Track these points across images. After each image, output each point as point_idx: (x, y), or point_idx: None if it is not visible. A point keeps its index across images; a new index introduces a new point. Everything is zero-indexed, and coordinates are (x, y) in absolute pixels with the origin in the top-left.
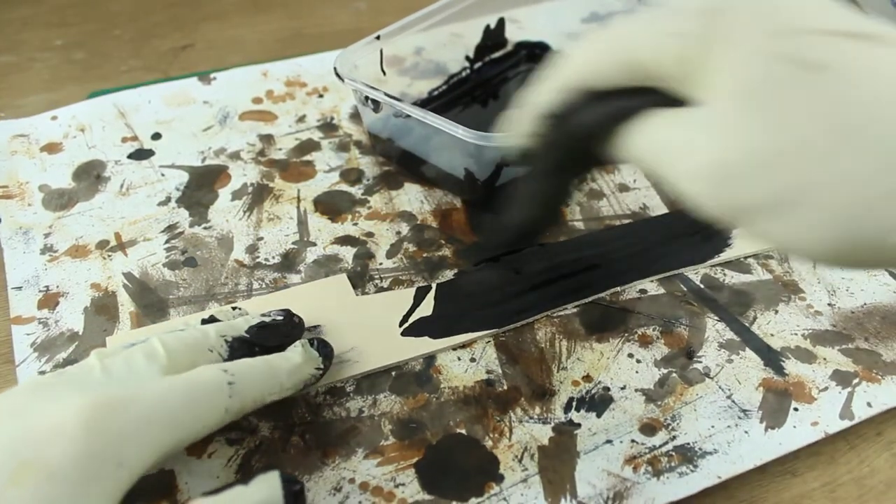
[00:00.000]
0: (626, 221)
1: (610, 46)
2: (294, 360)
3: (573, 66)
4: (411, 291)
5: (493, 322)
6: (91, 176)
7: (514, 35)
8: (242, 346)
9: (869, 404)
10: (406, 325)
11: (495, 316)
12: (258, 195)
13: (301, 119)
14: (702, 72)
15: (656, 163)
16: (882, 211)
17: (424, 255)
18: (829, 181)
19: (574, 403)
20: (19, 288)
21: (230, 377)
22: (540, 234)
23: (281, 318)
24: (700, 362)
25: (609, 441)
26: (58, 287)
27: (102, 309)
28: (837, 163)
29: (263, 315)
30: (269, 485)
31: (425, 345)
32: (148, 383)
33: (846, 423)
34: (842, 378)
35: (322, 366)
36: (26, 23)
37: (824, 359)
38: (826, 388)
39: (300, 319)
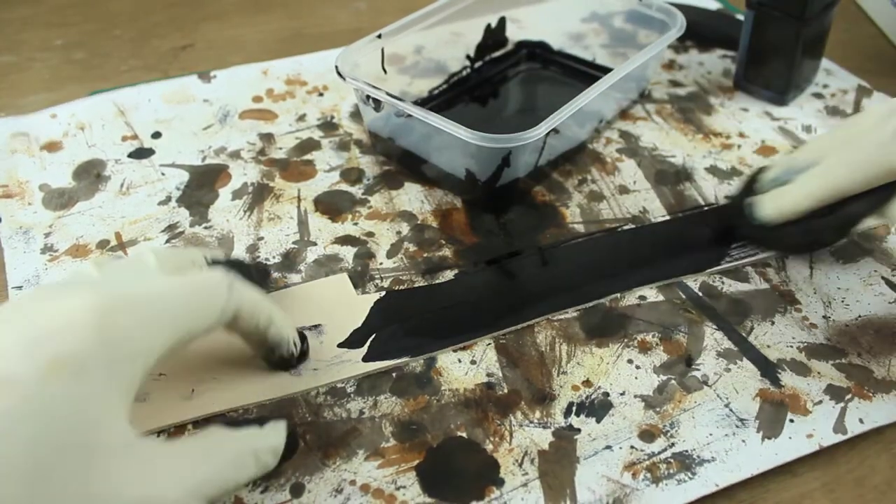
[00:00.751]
0: (626, 224)
1: (872, 161)
2: (289, 318)
3: (842, 177)
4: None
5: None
6: (91, 175)
7: (514, 34)
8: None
9: (861, 420)
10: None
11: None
12: (258, 195)
13: (301, 118)
14: None
15: None
16: None
17: (424, 254)
18: None
19: (574, 408)
20: (20, 287)
21: (230, 280)
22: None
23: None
24: (699, 370)
25: (608, 447)
26: None
27: None
28: None
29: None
30: (277, 432)
31: (428, 347)
32: (149, 281)
33: (839, 437)
34: (835, 393)
35: (298, 347)
36: (26, 23)
37: (818, 373)
38: (820, 402)
39: (268, 270)
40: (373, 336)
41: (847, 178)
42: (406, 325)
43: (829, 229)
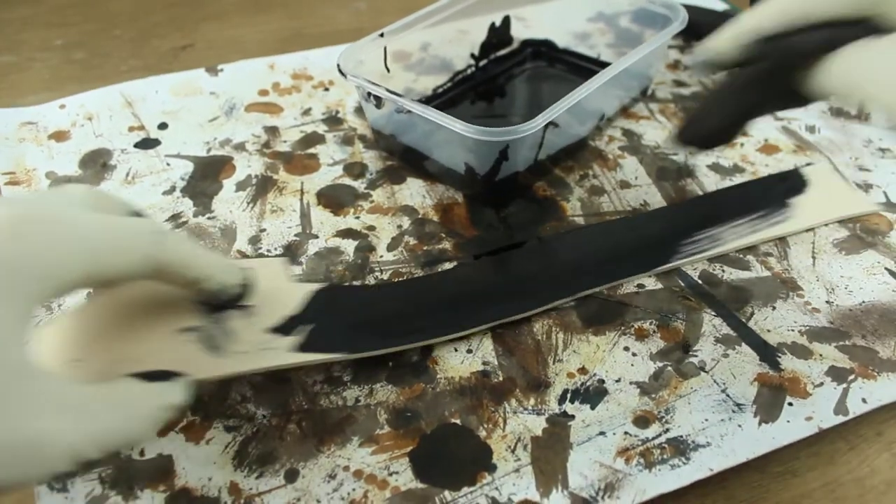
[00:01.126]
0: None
1: None
2: (224, 259)
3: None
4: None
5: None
6: (97, 164)
7: (519, 33)
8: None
9: (864, 400)
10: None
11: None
12: (262, 187)
13: (306, 112)
14: None
15: (861, 89)
16: None
17: (425, 248)
18: None
19: (569, 395)
20: None
21: (161, 231)
22: (717, 143)
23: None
24: (696, 356)
25: (602, 433)
26: None
27: None
28: None
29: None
30: (185, 389)
31: (368, 344)
32: (72, 208)
33: (840, 419)
34: (837, 374)
35: (242, 289)
36: (26, 23)
37: (820, 355)
38: (821, 384)
39: None
40: (311, 326)
41: None
42: (348, 319)
43: (778, 53)
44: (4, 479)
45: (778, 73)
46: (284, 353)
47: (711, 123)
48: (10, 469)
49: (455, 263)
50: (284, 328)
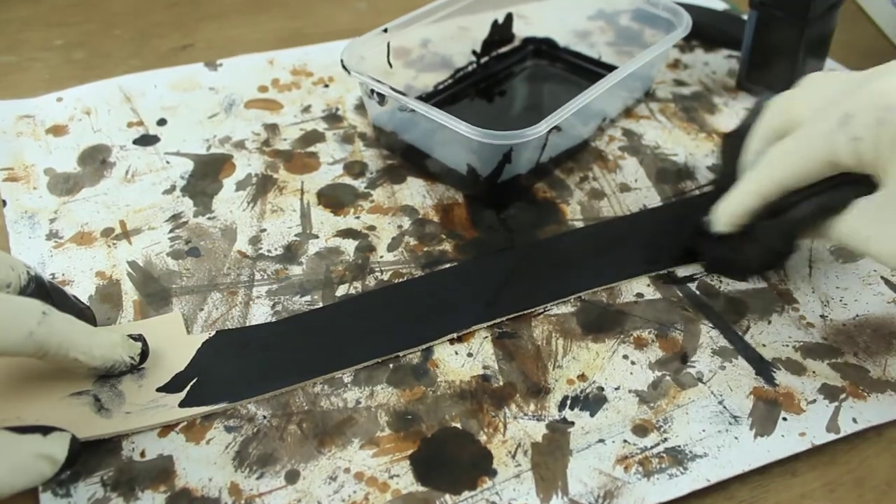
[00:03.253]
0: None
1: (813, 155)
2: (114, 337)
3: (783, 170)
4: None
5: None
6: (96, 160)
7: (521, 30)
8: (40, 288)
9: (854, 420)
10: None
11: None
12: (262, 186)
13: (306, 109)
14: (885, 168)
15: (864, 246)
16: None
17: (425, 248)
18: None
19: (568, 402)
20: None
21: (45, 309)
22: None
23: (80, 303)
24: (693, 367)
25: (601, 440)
26: (63, 275)
27: (106, 297)
28: None
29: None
30: (61, 443)
31: (250, 390)
32: None
33: (832, 437)
34: (829, 392)
35: (136, 358)
36: (26, 23)
37: (813, 372)
38: (814, 401)
39: (91, 313)
40: (194, 380)
41: (793, 166)
42: (233, 366)
43: (775, 234)
44: None
45: (787, 236)
46: (169, 410)
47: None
48: None
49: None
50: (172, 385)
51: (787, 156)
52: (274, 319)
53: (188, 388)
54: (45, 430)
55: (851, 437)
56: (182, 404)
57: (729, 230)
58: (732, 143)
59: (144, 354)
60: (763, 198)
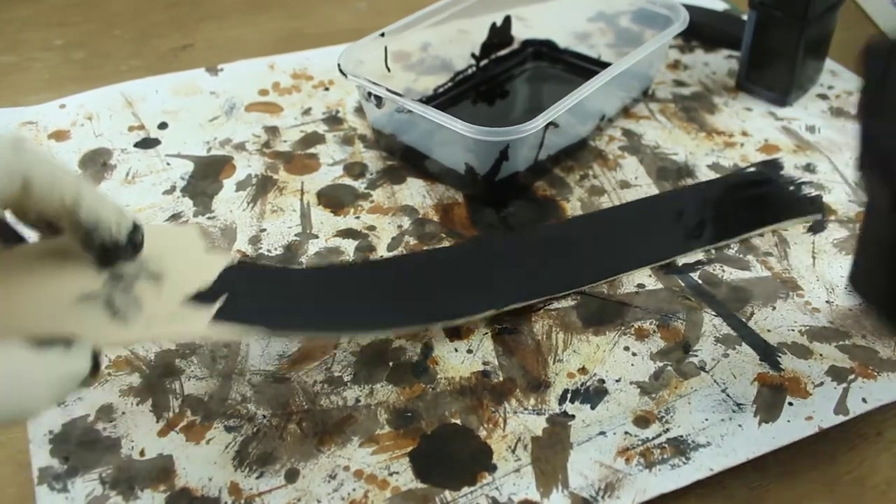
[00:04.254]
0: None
1: None
2: (107, 198)
3: None
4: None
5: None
6: (97, 164)
7: (520, 33)
8: None
9: (864, 400)
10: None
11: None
12: (262, 187)
13: (307, 112)
14: None
15: None
16: None
17: (425, 248)
18: None
19: (569, 395)
20: None
21: (16, 140)
22: None
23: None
24: (696, 356)
25: (602, 433)
26: None
27: None
28: None
29: None
30: (83, 357)
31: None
32: None
33: (840, 419)
34: (837, 374)
35: (124, 236)
36: (26, 23)
37: (820, 355)
38: (821, 384)
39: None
40: (224, 297)
41: None
42: (261, 296)
43: None
44: None
45: None
46: (198, 324)
47: None
48: None
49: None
50: (198, 299)
51: None
52: None
53: (218, 303)
54: (67, 342)
55: (851, 437)
56: (216, 318)
57: None
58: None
59: (136, 243)
60: None
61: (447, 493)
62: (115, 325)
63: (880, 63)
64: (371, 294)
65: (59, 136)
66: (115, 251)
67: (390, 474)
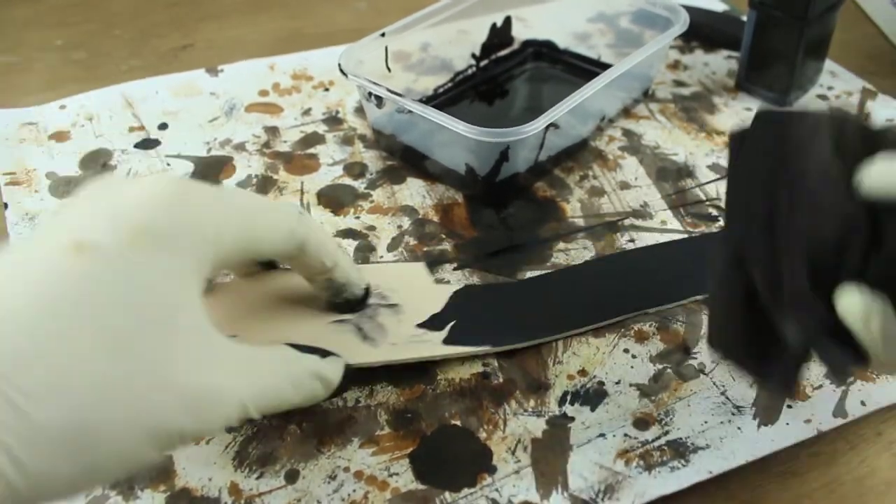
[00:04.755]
0: (626, 218)
1: None
2: (349, 258)
3: None
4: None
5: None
6: (98, 164)
7: (520, 33)
8: None
9: (863, 402)
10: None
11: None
12: (262, 187)
13: (307, 112)
14: None
15: None
16: None
17: (425, 248)
18: None
19: (568, 397)
20: None
21: (301, 209)
22: None
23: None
24: (695, 358)
25: (602, 435)
26: None
27: None
28: None
29: None
30: (336, 365)
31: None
32: (223, 187)
33: (839, 421)
34: None
35: (363, 290)
36: (26, 23)
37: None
38: (821, 386)
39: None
40: (453, 322)
41: None
42: (489, 316)
43: None
44: (185, 428)
45: None
46: (434, 346)
47: None
48: (191, 418)
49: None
50: (431, 324)
51: None
52: None
53: (448, 327)
54: (323, 353)
55: (852, 437)
56: (446, 342)
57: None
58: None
59: (368, 290)
60: None
61: (447, 494)
62: (365, 346)
63: (736, 148)
64: (564, 299)
65: (60, 136)
66: (352, 304)
67: (390, 475)
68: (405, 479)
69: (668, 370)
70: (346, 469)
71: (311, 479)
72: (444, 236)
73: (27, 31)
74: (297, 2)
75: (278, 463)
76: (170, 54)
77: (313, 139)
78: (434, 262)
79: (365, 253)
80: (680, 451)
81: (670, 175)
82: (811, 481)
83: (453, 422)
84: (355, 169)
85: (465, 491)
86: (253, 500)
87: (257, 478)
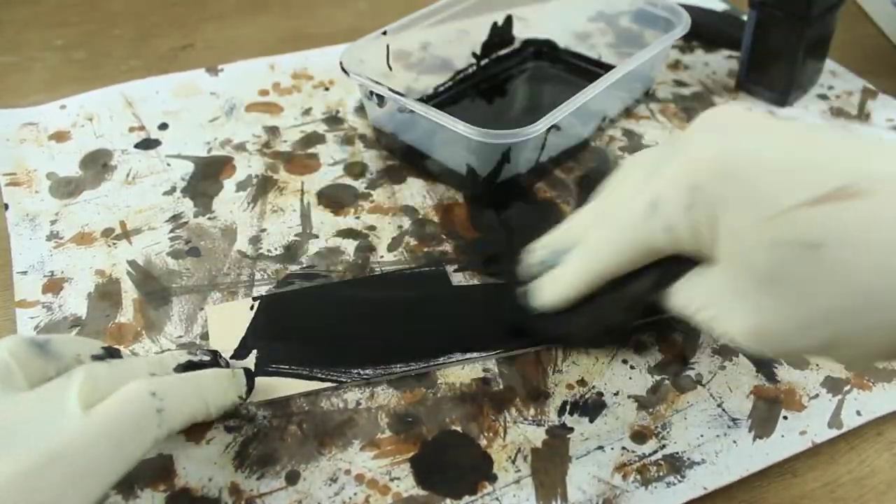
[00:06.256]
0: None
1: (628, 248)
2: (223, 381)
3: (603, 262)
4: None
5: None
6: (98, 164)
7: (521, 32)
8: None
9: (858, 413)
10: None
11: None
12: (262, 187)
13: (307, 112)
14: (710, 248)
15: (705, 322)
16: None
17: (425, 249)
18: (856, 334)
19: (568, 407)
20: (24, 273)
21: (159, 402)
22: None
23: (208, 358)
24: (693, 369)
25: (601, 447)
26: (62, 273)
27: (106, 295)
28: (860, 320)
29: (190, 353)
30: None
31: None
32: (72, 429)
33: (834, 433)
34: (833, 385)
35: (244, 395)
36: (26, 23)
37: (817, 364)
38: (817, 396)
39: (226, 362)
40: (255, 350)
41: (610, 259)
42: (291, 338)
43: (615, 308)
44: None
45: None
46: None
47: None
48: None
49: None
50: (237, 354)
51: (606, 244)
52: None
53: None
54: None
55: (851, 437)
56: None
57: (554, 309)
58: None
59: (250, 389)
60: (589, 284)
61: (448, 501)
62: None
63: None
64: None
65: (60, 137)
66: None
67: (391, 479)
68: (406, 484)
69: (666, 381)
70: (347, 472)
71: (311, 480)
72: (444, 237)
73: (27, 31)
74: (297, 2)
75: (279, 464)
76: (170, 54)
77: (314, 139)
78: (435, 263)
79: (365, 253)
80: (676, 465)
81: None
82: (811, 481)
83: (454, 427)
84: (356, 169)
85: (467, 498)
86: (253, 500)
87: (258, 478)
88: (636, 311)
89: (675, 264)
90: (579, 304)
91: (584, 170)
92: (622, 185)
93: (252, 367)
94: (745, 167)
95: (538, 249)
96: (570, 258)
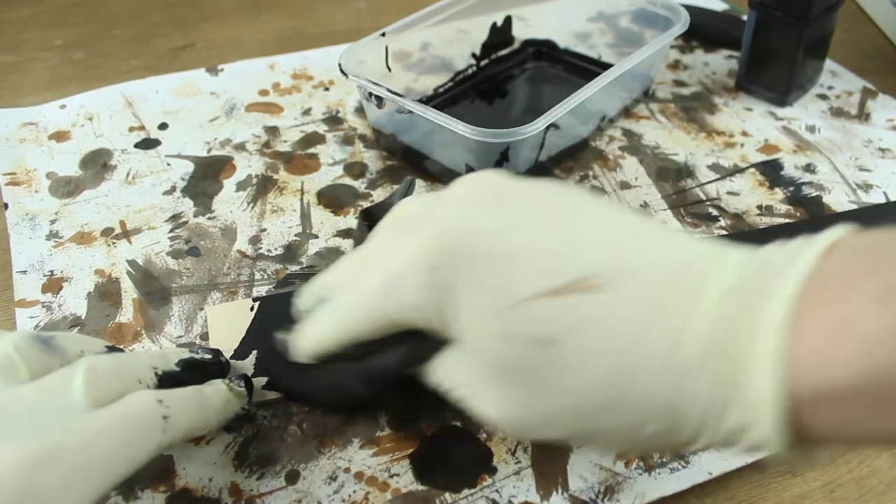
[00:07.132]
0: None
1: (371, 321)
2: (224, 394)
3: (349, 324)
4: None
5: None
6: (98, 164)
7: (520, 33)
8: (169, 382)
9: None
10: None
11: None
12: (262, 187)
13: (307, 112)
14: (455, 330)
15: (462, 401)
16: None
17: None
18: (597, 434)
19: None
20: (24, 272)
21: (165, 409)
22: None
23: (210, 357)
24: None
25: None
26: (62, 272)
27: (106, 295)
28: (596, 421)
29: (192, 351)
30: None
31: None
32: (76, 421)
33: None
34: None
35: (247, 406)
36: (26, 23)
37: None
38: None
39: (227, 361)
40: (255, 352)
41: (353, 326)
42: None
43: (354, 379)
44: None
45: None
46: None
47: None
48: None
49: None
50: (238, 354)
51: (352, 306)
52: None
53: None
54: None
55: None
56: (265, 387)
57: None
58: (370, 220)
59: (251, 396)
60: (338, 345)
61: (447, 495)
62: None
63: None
64: None
65: (60, 136)
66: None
67: (391, 476)
68: (405, 480)
69: None
70: (347, 470)
71: (311, 479)
72: None
73: (27, 31)
74: (297, 2)
75: (278, 463)
76: (170, 54)
77: (313, 139)
78: None
79: None
80: (680, 451)
81: (670, 175)
82: (811, 481)
83: (454, 423)
84: (355, 169)
85: (466, 491)
86: (253, 500)
87: (258, 478)
88: (377, 386)
89: (428, 340)
90: (329, 362)
91: (373, 203)
92: (384, 238)
93: (252, 368)
94: (483, 250)
95: (303, 295)
96: (322, 313)
